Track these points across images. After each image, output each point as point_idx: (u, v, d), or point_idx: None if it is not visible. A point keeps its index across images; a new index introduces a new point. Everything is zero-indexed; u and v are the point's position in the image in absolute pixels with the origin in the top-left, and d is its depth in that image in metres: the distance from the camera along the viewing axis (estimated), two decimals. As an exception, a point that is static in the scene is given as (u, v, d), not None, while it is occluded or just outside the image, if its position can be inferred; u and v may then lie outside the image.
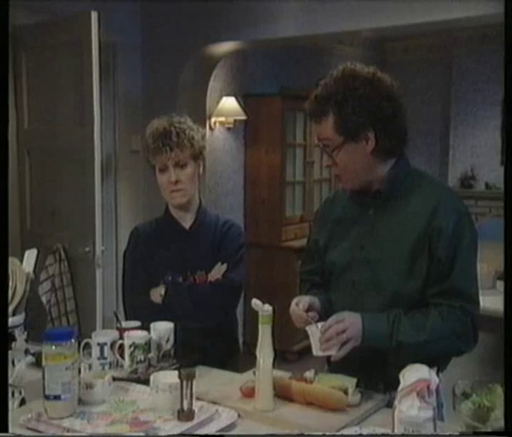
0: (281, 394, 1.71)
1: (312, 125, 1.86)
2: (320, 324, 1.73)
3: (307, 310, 1.79)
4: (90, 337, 1.91)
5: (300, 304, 1.80)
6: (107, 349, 1.89)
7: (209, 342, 2.08)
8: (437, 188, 1.85)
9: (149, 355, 1.89)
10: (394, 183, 1.81)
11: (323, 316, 1.79)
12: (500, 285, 3.16)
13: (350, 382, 1.68)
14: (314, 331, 1.73)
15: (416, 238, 1.74)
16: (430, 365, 1.48)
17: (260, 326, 1.67)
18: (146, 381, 1.74)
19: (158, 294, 2.15)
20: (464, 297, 1.72)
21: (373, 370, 1.77)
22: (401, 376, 1.45)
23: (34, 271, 1.95)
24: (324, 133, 1.78)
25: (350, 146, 1.75)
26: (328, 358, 1.80)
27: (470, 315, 1.72)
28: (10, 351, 1.71)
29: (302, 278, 2.06)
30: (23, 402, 1.71)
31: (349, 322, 1.69)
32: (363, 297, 1.81)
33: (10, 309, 1.79)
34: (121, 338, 1.91)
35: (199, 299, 2.14)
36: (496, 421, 1.39)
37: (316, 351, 1.73)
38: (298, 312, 1.80)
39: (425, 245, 1.73)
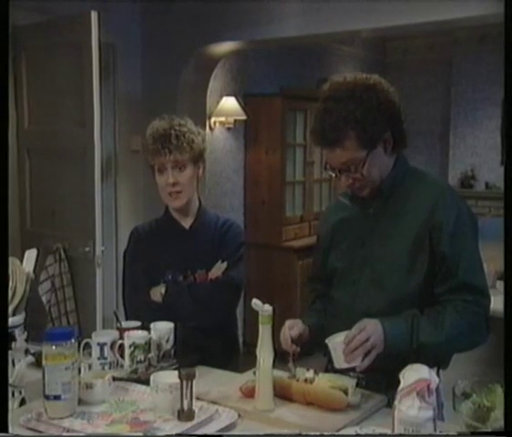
0: (281, 394, 1.71)
1: (326, 154, 1.78)
2: (342, 335, 1.67)
3: (296, 339, 1.82)
4: (90, 337, 1.91)
5: (292, 330, 1.83)
6: (107, 349, 1.89)
7: (210, 342, 2.08)
8: (436, 184, 1.85)
9: (149, 355, 1.89)
10: (394, 182, 1.82)
11: (315, 340, 1.84)
12: (500, 285, 3.16)
13: (350, 382, 1.68)
14: (337, 344, 1.68)
15: (416, 235, 1.74)
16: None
17: (260, 326, 1.67)
18: (146, 381, 1.74)
19: (158, 293, 2.15)
20: (474, 290, 1.72)
21: (383, 373, 1.73)
22: (401, 376, 1.44)
23: (34, 271, 1.95)
24: (346, 155, 1.72)
25: (372, 154, 1.74)
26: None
27: (483, 307, 1.73)
28: (10, 351, 1.71)
29: (309, 288, 2.09)
30: (23, 402, 1.71)
31: (371, 329, 1.66)
32: (364, 295, 1.81)
33: (10, 309, 1.79)
34: (121, 338, 1.91)
35: (200, 297, 2.14)
36: (496, 421, 1.39)
37: (339, 364, 1.68)
38: (287, 340, 1.83)
39: (425, 241, 1.73)
